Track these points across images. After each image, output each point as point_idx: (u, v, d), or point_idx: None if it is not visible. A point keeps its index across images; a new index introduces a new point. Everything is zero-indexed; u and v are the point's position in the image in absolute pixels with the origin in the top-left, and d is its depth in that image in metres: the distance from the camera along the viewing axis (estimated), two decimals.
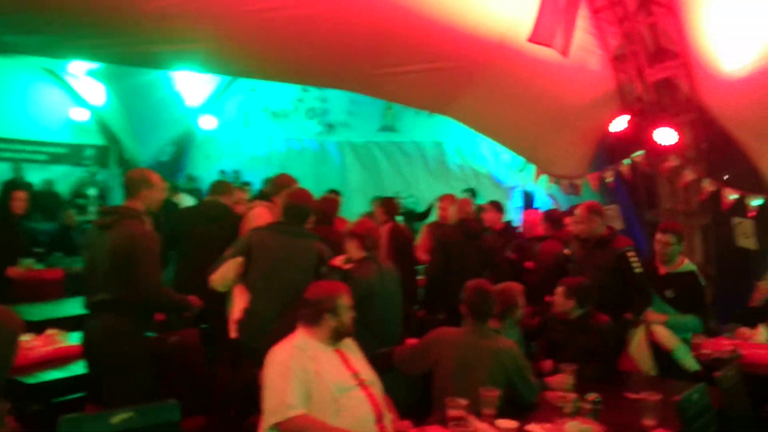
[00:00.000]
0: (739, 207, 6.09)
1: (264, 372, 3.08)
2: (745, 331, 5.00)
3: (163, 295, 3.67)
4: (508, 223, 6.66)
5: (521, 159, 8.34)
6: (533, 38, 4.94)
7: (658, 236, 4.72)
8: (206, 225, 5.00)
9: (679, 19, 5.66)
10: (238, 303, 4.01)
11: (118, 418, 2.68)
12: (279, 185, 4.70)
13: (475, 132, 8.22)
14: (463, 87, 6.40)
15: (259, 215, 4.46)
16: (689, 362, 4.58)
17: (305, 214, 4.08)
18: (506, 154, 8.81)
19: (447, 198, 6.03)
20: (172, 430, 2.79)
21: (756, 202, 5.93)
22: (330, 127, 10.01)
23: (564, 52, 5.14)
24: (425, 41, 5.78)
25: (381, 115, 9.69)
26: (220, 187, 5.42)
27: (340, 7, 5.25)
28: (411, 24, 5.55)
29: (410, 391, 3.88)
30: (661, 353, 4.61)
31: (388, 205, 6.06)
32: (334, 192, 7.02)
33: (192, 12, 4.98)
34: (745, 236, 6.18)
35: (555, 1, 4.95)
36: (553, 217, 5.80)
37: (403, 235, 5.84)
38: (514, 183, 8.84)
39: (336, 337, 3.17)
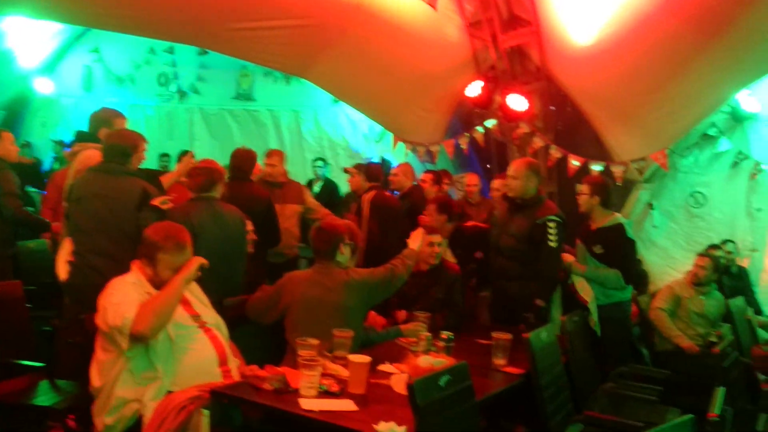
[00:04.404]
0: (583, 174, 6.36)
1: (99, 310, 2.88)
2: None
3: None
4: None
5: (379, 129, 8.34)
6: None
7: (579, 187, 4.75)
8: None
9: None
10: (67, 245, 3.75)
11: None
12: (97, 122, 4.44)
13: (334, 99, 8.12)
14: (321, 49, 6.23)
15: (89, 158, 4.10)
16: (592, 321, 4.53)
17: (126, 153, 3.91)
18: (364, 124, 8.77)
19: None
20: None
21: (597, 167, 6.21)
22: (180, 93, 9.50)
23: (432, 4, 5.12)
24: None
25: (236, 82, 9.35)
26: None
27: None
28: None
29: (264, 344, 3.76)
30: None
31: (370, 171, 6.22)
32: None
33: None
34: None
35: None
36: None
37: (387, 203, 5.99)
38: (372, 153, 8.83)
39: (158, 285, 2.97)
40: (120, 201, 3.76)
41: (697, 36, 5.07)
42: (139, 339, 2.79)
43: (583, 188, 4.75)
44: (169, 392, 2.79)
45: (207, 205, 4.03)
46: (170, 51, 9.42)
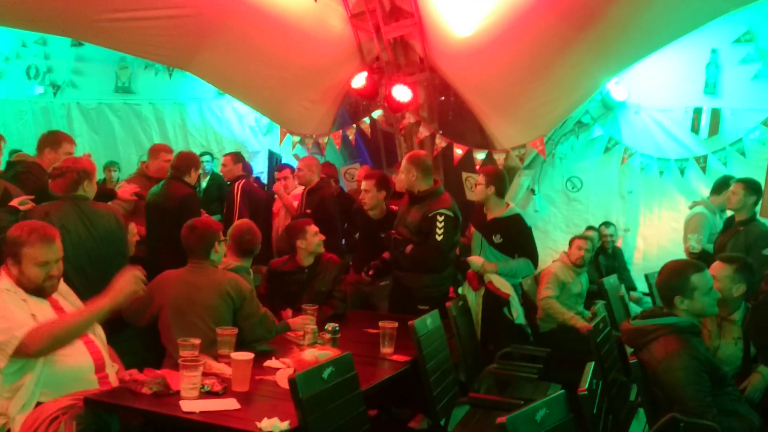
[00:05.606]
0: (468, 162, 6.54)
1: None
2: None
3: None
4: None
5: (267, 121, 8.24)
6: None
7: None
8: None
9: None
10: None
11: None
12: None
13: (219, 91, 7.95)
14: (201, 41, 6.08)
15: None
16: (515, 313, 4.72)
17: None
18: (251, 117, 8.61)
19: None
20: None
21: (480, 155, 6.40)
22: (55, 87, 8.98)
23: None
24: None
25: (114, 75, 8.94)
26: None
27: None
28: None
29: (147, 347, 3.63)
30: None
31: (239, 158, 6.56)
32: None
33: None
34: (472, 190, 6.63)
35: None
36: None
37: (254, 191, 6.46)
38: (260, 146, 8.69)
39: (28, 289, 2.80)
40: None
41: (570, 29, 5.32)
42: (22, 356, 2.63)
43: (478, 178, 4.87)
44: (39, 403, 2.65)
45: (72, 205, 3.83)
46: (43, 43, 8.89)
